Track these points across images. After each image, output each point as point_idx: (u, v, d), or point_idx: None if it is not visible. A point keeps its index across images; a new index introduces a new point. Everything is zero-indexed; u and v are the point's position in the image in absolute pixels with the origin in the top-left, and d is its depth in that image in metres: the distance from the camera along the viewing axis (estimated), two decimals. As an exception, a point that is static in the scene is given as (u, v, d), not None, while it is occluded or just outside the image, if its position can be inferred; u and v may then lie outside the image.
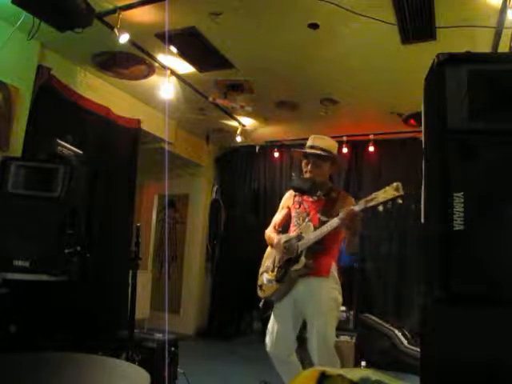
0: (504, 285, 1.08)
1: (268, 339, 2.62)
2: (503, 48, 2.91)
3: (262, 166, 6.06)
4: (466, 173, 1.13)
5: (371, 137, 5.12)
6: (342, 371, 1.29)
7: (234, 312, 5.85)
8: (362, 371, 1.37)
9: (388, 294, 4.98)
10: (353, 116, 4.72)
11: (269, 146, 5.91)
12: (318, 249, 2.47)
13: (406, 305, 4.82)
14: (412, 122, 4.73)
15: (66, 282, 2.64)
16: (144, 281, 4.89)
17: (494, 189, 1.12)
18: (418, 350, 2.76)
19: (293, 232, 2.63)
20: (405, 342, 4.28)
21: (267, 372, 3.67)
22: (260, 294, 2.68)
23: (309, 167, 2.57)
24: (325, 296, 2.46)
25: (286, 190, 2.96)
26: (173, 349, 3.08)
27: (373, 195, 2.26)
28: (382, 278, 5.04)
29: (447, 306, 1.11)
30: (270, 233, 2.79)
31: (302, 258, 2.47)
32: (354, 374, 1.26)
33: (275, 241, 2.64)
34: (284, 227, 2.78)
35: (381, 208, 2.23)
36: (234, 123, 5.18)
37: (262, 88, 4.16)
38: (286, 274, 2.52)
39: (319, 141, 2.63)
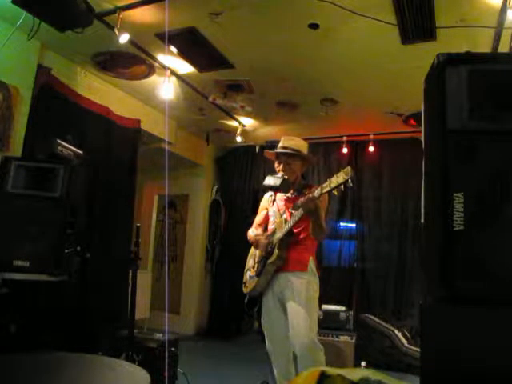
0: (504, 285, 1.08)
1: (265, 335, 2.73)
2: (503, 48, 2.91)
3: (261, 166, 6.06)
4: (466, 173, 1.13)
5: (371, 137, 5.12)
6: (341, 371, 1.29)
7: (234, 312, 5.85)
8: (362, 371, 1.37)
9: (388, 294, 4.98)
10: (353, 116, 4.72)
11: (269, 146, 5.91)
12: (290, 241, 2.60)
13: (406, 305, 4.82)
14: (412, 122, 4.73)
15: (65, 281, 2.64)
16: (144, 281, 4.89)
17: (494, 189, 1.12)
18: (418, 350, 2.77)
19: (270, 230, 2.76)
20: (405, 342, 4.28)
21: (267, 372, 3.68)
22: (244, 290, 2.81)
23: (281, 166, 2.70)
24: (304, 290, 2.54)
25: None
26: (173, 349, 3.07)
27: (327, 181, 2.36)
28: (381, 277, 5.04)
29: (447, 306, 1.11)
30: (250, 232, 2.91)
31: (276, 250, 2.60)
32: (354, 374, 1.26)
33: (252, 234, 2.82)
34: (265, 228, 2.90)
35: (336, 192, 2.35)
36: (234, 123, 5.19)
37: (262, 88, 4.16)
38: (263, 268, 2.64)
39: (289, 141, 2.75)
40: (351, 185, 2.28)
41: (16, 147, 3.23)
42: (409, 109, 4.38)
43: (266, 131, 5.50)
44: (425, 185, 1.30)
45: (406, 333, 4.42)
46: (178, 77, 3.95)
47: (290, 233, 2.58)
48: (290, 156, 2.67)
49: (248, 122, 5.18)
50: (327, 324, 4.12)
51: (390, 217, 5.11)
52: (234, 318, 5.84)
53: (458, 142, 1.15)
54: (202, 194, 6.19)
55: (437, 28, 2.91)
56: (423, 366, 1.15)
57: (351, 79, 3.85)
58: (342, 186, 2.28)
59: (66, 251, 2.61)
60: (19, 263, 2.47)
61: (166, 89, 3.87)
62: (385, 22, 2.81)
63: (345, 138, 5.25)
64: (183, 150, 5.56)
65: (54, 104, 3.57)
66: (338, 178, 2.30)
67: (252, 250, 2.90)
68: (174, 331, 4.46)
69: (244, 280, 2.83)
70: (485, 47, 3.01)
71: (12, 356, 1.85)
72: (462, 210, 1.10)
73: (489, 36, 2.91)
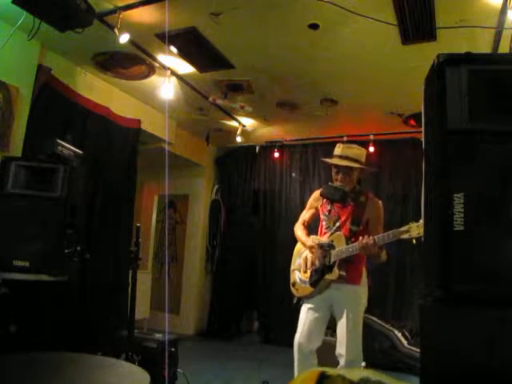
0: (504, 285, 1.08)
1: (299, 331, 2.74)
2: (503, 49, 2.90)
3: (262, 165, 6.06)
4: (466, 173, 1.13)
5: (371, 137, 5.12)
6: (341, 372, 1.29)
7: (234, 312, 5.85)
8: (362, 371, 1.37)
9: (388, 295, 4.98)
10: (353, 116, 4.72)
11: (269, 146, 5.91)
12: (350, 260, 2.62)
13: (406, 305, 4.81)
14: (412, 122, 4.73)
15: (65, 282, 2.64)
16: (144, 281, 4.89)
17: (494, 189, 1.12)
18: (418, 350, 2.77)
19: (323, 235, 2.80)
20: (405, 342, 4.28)
21: (267, 372, 3.68)
22: (294, 291, 2.86)
23: (339, 176, 2.69)
24: (356, 302, 2.66)
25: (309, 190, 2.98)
26: (173, 349, 3.07)
27: (406, 226, 2.36)
28: (381, 278, 5.04)
29: (447, 307, 1.11)
30: (299, 230, 2.93)
31: (336, 269, 2.61)
32: (354, 374, 1.26)
33: (309, 243, 2.79)
34: (310, 226, 2.97)
35: (415, 241, 2.31)
36: (234, 123, 5.18)
37: (262, 88, 4.16)
38: (319, 281, 2.68)
39: (348, 150, 2.72)
40: (414, 242, 2.29)
41: (16, 147, 3.23)
42: (409, 109, 4.37)
43: (266, 131, 5.50)
44: (425, 185, 1.30)
45: (406, 333, 4.42)
46: (178, 77, 3.95)
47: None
48: (350, 169, 2.67)
49: (248, 122, 5.17)
50: (327, 324, 4.11)
51: (390, 217, 5.11)
52: (233, 318, 5.84)
53: (458, 143, 1.15)
54: (201, 193, 6.19)
55: (437, 28, 2.90)
56: (423, 366, 1.15)
57: (351, 79, 3.84)
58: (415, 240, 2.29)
59: (66, 251, 2.61)
60: (19, 263, 2.47)
61: (166, 89, 3.87)
62: (385, 23, 2.81)
63: (345, 139, 5.24)
64: (183, 150, 5.56)
65: (53, 104, 3.57)
66: (410, 233, 2.31)
67: (298, 247, 2.94)
68: (174, 331, 4.46)
69: (292, 281, 2.87)
70: (485, 48, 3.01)
71: (12, 356, 1.85)
72: (462, 210, 1.10)
73: (489, 36, 2.91)
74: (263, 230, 5.86)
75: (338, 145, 2.82)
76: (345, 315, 2.62)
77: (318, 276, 2.69)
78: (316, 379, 1.25)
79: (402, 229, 2.35)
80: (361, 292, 2.69)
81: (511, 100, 1.14)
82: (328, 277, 2.64)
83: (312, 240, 2.80)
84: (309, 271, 2.76)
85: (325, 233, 2.79)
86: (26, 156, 3.14)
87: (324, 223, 2.81)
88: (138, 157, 4.58)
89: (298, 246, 2.95)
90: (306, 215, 2.98)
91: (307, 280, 2.75)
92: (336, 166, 2.71)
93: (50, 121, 3.51)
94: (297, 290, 2.84)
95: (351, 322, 2.60)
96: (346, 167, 2.66)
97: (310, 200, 3.01)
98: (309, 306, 2.76)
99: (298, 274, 2.84)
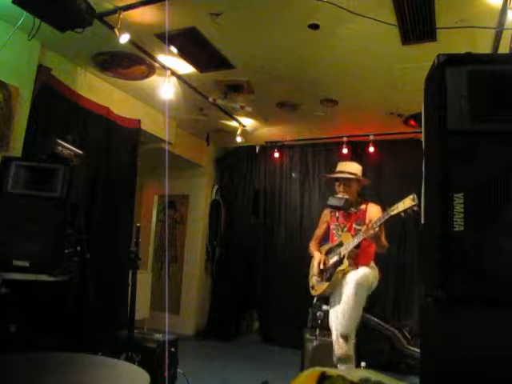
0: (504, 286, 1.08)
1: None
2: (503, 49, 2.91)
3: (262, 165, 6.06)
4: (466, 173, 1.13)
5: (371, 137, 5.12)
6: (342, 372, 1.29)
7: (234, 312, 5.85)
8: (362, 372, 1.37)
9: (388, 295, 4.97)
10: (353, 116, 4.72)
11: (269, 146, 5.91)
12: (357, 252, 3.09)
13: (407, 305, 4.81)
14: (412, 122, 4.73)
15: (65, 281, 2.64)
16: (144, 281, 4.89)
17: (495, 189, 1.12)
18: (418, 350, 2.77)
19: (334, 241, 3.29)
20: (405, 342, 4.28)
21: (267, 372, 3.68)
22: (313, 292, 3.30)
23: (341, 188, 3.23)
24: (357, 276, 2.97)
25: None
26: (173, 349, 3.07)
27: (394, 206, 2.80)
28: (382, 278, 5.03)
29: (447, 307, 1.11)
30: (312, 247, 3.46)
31: (345, 261, 3.06)
32: (354, 374, 1.26)
33: (316, 257, 3.31)
34: (324, 239, 3.47)
35: (403, 214, 2.77)
36: (234, 123, 5.18)
37: (262, 88, 4.16)
38: (333, 275, 3.09)
39: (346, 166, 3.31)
40: (416, 209, 2.70)
41: (16, 147, 3.23)
42: (409, 109, 4.37)
43: (266, 131, 5.50)
44: (425, 185, 1.31)
45: (406, 333, 4.41)
46: (178, 77, 3.95)
47: (357, 246, 3.04)
48: (348, 180, 3.21)
49: (248, 123, 5.17)
50: (327, 324, 4.11)
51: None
52: (233, 318, 5.83)
53: (457, 143, 1.15)
54: (201, 193, 6.19)
55: (437, 29, 2.90)
56: (423, 366, 1.15)
57: (351, 79, 3.84)
58: (410, 210, 2.72)
59: (66, 251, 2.61)
60: (19, 263, 2.47)
61: (166, 89, 3.87)
62: (385, 23, 2.81)
63: (345, 139, 5.24)
64: (183, 150, 5.56)
65: (54, 104, 3.57)
66: (405, 204, 2.73)
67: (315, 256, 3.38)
68: (174, 331, 4.46)
69: (311, 284, 3.32)
70: (485, 48, 3.01)
71: (12, 356, 1.85)
72: (462, 210, 1.10)
73: (489, 37, 2.91)
74: (263, 230, 5.87)
75: (339, 163, 3.39)
76: (345, 288, 2.94)
77: (332, 271, 3.11)
78: (316, 379, 1.25)
79: (391, 208, 2.81)
80: (368, 271, 3.04)
81: (511, 100, 1.14)
82: (340, 268, 3.04)
83: (319, 253, 3.32)
84: (324, 271, 3.19)
85: (335, 240, 3.24)
86: (26, 156, 3.14)
87: (334, 231, 3.30)
88: (138, 157, 4.58)
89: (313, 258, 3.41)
90: (318, 232, 3.46)
91: (323, 279, 3.17)
92: (337, 178, 3.25)
93: (50, 121, 3.51)
94: (316, 290, 3.23)
95: (345, 295, 2.91)
96: (344, 179, 3.18)
97: (320, 219, 3.50)
98: (332, 305, 3.11)
99: (316, 278, 3.25)
